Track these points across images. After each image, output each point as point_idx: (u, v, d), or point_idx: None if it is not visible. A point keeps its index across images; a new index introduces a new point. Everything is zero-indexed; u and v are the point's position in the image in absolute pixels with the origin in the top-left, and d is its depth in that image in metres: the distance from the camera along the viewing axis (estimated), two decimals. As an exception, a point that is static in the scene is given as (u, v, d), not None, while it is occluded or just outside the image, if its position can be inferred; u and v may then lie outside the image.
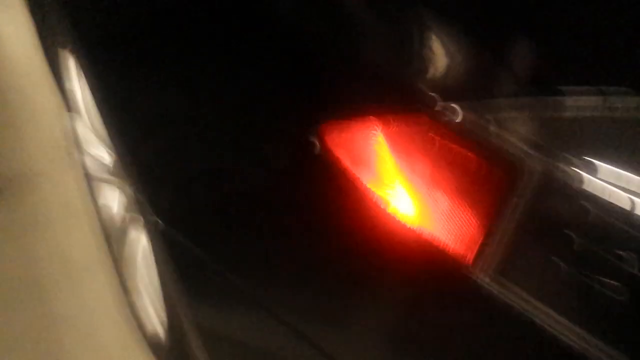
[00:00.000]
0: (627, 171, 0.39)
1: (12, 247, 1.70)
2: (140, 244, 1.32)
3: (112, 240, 1.49)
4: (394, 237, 0.51)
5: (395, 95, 0.48)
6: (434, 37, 0.48)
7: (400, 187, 0.49)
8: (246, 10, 0.61)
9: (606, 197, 0.39)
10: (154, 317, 1.28)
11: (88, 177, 1.60)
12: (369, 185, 0.51)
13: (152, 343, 1.34)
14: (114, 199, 1.52)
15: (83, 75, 1.12)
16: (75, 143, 1.64)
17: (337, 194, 0.55)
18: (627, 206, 0.38)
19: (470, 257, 0.45)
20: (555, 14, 0.46)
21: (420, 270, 0.49)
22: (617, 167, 0.39)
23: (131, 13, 0.80)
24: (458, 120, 0.43)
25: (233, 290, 0.76)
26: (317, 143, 0.53)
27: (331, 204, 0.57)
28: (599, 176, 0.39)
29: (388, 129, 0.48)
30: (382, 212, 0.51)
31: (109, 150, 1.41)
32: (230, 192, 0.71)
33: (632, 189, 0.38)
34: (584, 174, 0.39)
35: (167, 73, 0.75)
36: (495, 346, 0.48)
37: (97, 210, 1.60)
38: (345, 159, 0.52)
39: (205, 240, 0.77)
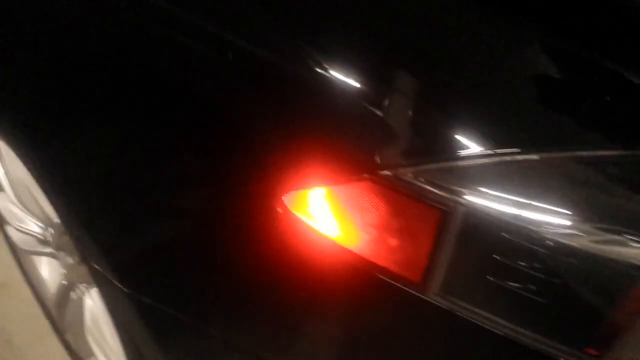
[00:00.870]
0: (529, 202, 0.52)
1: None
2: (85, 307, 1.33)
3: (51, 309, 1.48)
4: (357, 273, 0.62)
5: (344, 164, 0.59)
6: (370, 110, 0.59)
7: (357, 234, 0.60)
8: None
9: (515, 226, 0.52)
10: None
11: (15, 251, 1.57)
12: (329, 236, 0.61)
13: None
14: (47, 268, 1.51)
15: (8, 151, 1.12)
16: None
17: (299, 244, 0.64)
18: (532, 229, 0.52)
19: (418, 279, 0.57)
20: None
21: (382, 296, 0.61)
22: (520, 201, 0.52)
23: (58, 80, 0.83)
24: (397, 181, 0.55)
25: (201, 335, 0.82)
26: (280, 209, 0.62)
27: (295, 252, 0.66)
28: (507, 210, 0.52)
29: (342, 193, 0.59)
30: (344, 252, 0.61)
31: (40, 223, 1.41)
32: (200, 253, 0.78)
33: (532, 217, 0.52)
34: (498, 211, 0.52)
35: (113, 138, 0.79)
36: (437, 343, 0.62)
37: (29, 280, 1.58)
38: (304, 217, 0.62)
39: (180, 301, 0.83)
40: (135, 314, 0.89)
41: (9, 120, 0.95)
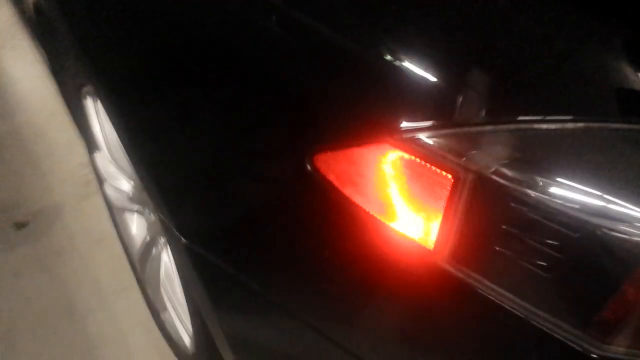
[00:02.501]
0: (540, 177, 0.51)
1: (43, 277, 1.82)
2: (162, 262, 1.44)
3: (136, 263, 1.60)
4: (380, 237, 0.63)
5: (368, 126, 0.60)
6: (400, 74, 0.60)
7: (378, 196, 0.62)
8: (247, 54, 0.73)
9: (528, 197, 0.51)
10: (181, 328, 1.40)
11: (109, 206, 1.71)
12: (354, 198, 0.64)
13: (179, 353, 1.45)
14: (135, 224, 1.64)
15: (103, 111, 1.23)
16: (96, 175, 1.76)
17: (328, 206, 0.67)
18: (545, 203, 0.51)
19: (431, 244, 0.58)
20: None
21: (398, 259, 0.62)
22: (533, 174, 0.51)
23: (146, 47, 0.91)
24: (414, 145, 0.56)
25: (254, 295, 0.87)
26: (310, 168, 0.65)
27: (326, 216, 0.69)
28: (522, 182, 0.52)
29: (364, 155, 0.61)
30: (367, 216, 0.63)
31: (130, 180, 1.53)
32: (243, 209, 0.83)
33: (549, 190, 0.51)
34: (511, 181, 0.52)
35: (179, 105, 0.86)
36: (451, 313, 0.63)
37: (120, 235, 1.72)
38: (334, 180, 0.65)
39: (225, 252, 0.88)
40: (191, 265, 0.96)
41: (108, 82, 1.05)
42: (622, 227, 0.49)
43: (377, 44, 0.62)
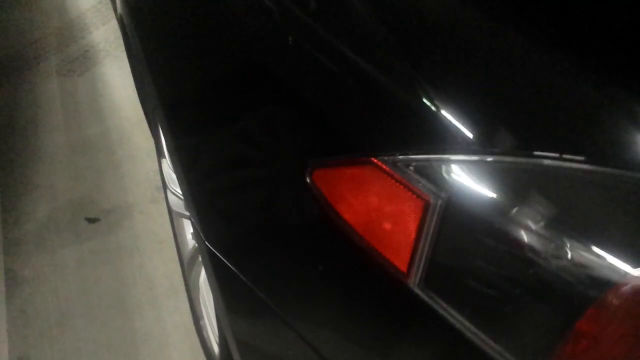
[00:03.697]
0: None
1: (104, 270, 1.94)
2: (202, 269, 1.50)
3: (186, 269, 1.67)
4: (363, 255, 0.65)
5: (357, 147, 0.62)
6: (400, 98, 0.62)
7: (363, 215, 0.63)
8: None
9: (494, 229, 0.51)
10: (212, 335, 1.45)
11: (170, 211, 1.80)
12: (343, 214, 0.65)
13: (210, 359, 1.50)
14: (188, 231, 1.71)
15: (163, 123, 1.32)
16: (162, 181, 1.86)
17: (323, 221, 0.69)
18: (510, 235, 0.51)
19: (404, 266, 0.59)
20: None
21: (377, 278, 0.64)
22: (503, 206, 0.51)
23: (194, 79, 0.98)
24: (393, 167, 0.57)
25: (262, 304, 0.89)
26: (308, 180, 0.68)
27: (320, 230, 0.71)
28: (491, 213, 0.52)
29: (352, 173, 0.63)
30: (353, 233, 0.65)
31: (184, 187, 1.61)
32: (251, 219, 0.86)
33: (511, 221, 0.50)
34: (479, 209, 0.52)
35: (211, 124, 0.92)
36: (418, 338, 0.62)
37: (176, 239, 1.80)
38: (328, 195, 0.67)
39: (238, 259, 0.92)
40: (212, 269, 1.00)
41: (165, 100, 1.14)
42: (579, 265, 0.48)
43: (379, 71, 0.64)
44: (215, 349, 1.40)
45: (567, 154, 0.51)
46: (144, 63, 1.22)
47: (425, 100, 0.59)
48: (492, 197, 0.53)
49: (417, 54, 0.63)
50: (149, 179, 2.28)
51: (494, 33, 0.61)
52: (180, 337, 1.72)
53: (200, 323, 1.55)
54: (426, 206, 0.56)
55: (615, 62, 0.56)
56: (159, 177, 2.22)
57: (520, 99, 0.56)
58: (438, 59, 0.62)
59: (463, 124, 0.56)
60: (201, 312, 1.53)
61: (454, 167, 0.55)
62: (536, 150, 0.52)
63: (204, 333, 1.53)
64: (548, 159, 0.52)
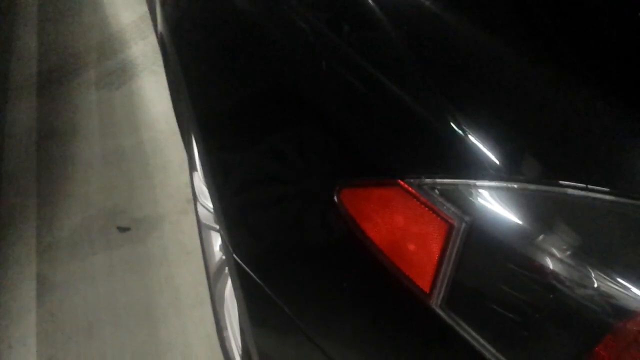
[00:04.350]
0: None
1: (132, 278, 1.98)
2: (228, 282, 1.52)
3: (212, 280, 1.70)
4: (387, 273, 0.67)
5: (385, 169, 0.64)
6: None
7: (388, 234, 0.65)
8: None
9: (516, 254, 0.53)
10: (235, 347, 1.47)
11: (199, 223, 1.84)
12: (369, 233, 0.67)
13: (233, 372, 1.52)
14: (216, 243, 1.74)
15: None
16: (193, 194, 1.90)
17: (349, 239, 0.71)
18: (531, 261, 0.52)
19: (427, 287, 0.60)
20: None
21: (399, 297, 0.65)
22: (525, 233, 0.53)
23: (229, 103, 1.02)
24: (418, 189, 0.59)
25: (286, 319, 0.91)
26: (336, 200, 0.70)
27: (347, 249, 0.73)
28: (513, 239, 0.53)
29: (379, 194, 0.65)
30: (377, 252, 0.66)
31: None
32: (278, 234, 0.89)
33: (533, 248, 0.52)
34: (501, 235, 0.54)
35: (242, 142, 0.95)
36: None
37: (203, 251, 1.83)
38: (355, 214, 0.69)
39: (264, 273, 0.94)
40: (238, 281, 1.03)
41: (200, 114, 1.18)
42: (599, 293, 0.49)
43: (409, 96, 0.66)
44: (238, 360, 1.43)
45: (591, 184, 0.53)
46: (182, 80, 1.26)
47: (453, 126, 0.61)
48: (516, 223, 0.55)
49: (447, 80, 0.65)
50: (179, 191, 2.33)
51: (522, 60, 0.63)
52: (204, 348, 1.74)
53: (224, 334, 1.58)
54: (450, 229, 0.58)
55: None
56: (189, 190, 2.27)
57: (547, 128, 0.58)
58: (468, 86, 0.64)
59: (490, 151, 0.58)
60: (225, 323, 1.56)
61: (479, 192, 0.57)
62: (562, 180, 0.54)
63: (227, 344, 1.55)
64: (573, 189, 0.53)
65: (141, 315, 1.86)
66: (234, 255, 1.02)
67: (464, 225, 0.57)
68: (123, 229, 2.16)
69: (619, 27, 0.65)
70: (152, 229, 2.17)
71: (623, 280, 0.49)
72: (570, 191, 0.53)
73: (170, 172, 2.43)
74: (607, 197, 0.52)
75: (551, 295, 0.52)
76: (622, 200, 0.51)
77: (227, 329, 1.55)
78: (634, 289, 0.48)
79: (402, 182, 0.62)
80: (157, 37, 1.78)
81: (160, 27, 1.57)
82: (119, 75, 3.16)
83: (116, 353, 1.75)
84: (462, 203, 0.57)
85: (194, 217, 2.07)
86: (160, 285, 1.95)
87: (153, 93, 2.98)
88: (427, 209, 0.60)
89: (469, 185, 0.58)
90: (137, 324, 1.83)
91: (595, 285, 0.50)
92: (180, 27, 1.29)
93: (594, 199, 0.52)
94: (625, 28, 0.65)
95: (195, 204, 1.86)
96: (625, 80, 0.60)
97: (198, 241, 1.93)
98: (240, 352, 1.34)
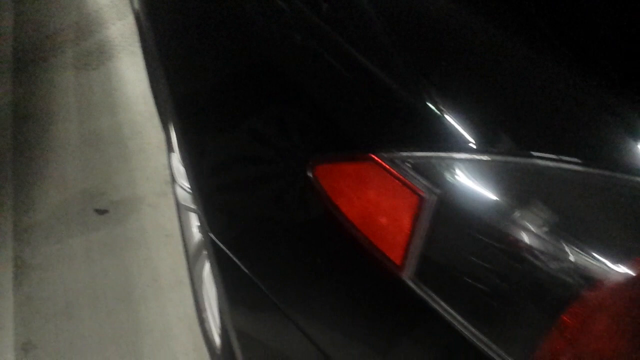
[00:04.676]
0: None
1: (110, 261, 1.97)
2: (207, 263, 1.52)
3: (191, 261, 1.69)
4: (360, 247, 0.67)
5: (357, 143, 0.64)
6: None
7: (361, 209, 0.65)
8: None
9: (485, 225, 0.53)
10: (214, 327, 1.47)
11: (177, 205, 1.83)
12: (342, 209, 0.67)
13: (212, 351, 1.52)
14: (195, 225, 1.74)
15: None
16: (171, 175, 1.89)
17: (323, 215, 0.71)
18: (500, 232, 0.53)
19: (399, 259, 0.61)
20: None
21: (372, 270, 0.66)
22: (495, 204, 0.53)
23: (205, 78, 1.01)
24: (391, 164, 0.59)
25: (262, 296, 0.91)
26: (310, 174, 0.70)
27: (321, 224, 0.73)
28: (483, 210, 0.53)
29: (352, 168, 0.65)
30: (350, 227, 0.67)
31: (191, 181, 1.63)
32: (254, 210, 0.89)
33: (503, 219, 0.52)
34: (471, 207, 0.54)
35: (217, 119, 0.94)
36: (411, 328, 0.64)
37: (182, 233, 1.82)
38: (328, 190, 0.69)
39: (240, 250, 0.94)
40: (215, 260, 1.02)
41: (176, 94, 1.17)
42: (566, 262, 0.50)
43: (382, 70, 0.66)
44: (217, 340, 1.43)
45: (563, 155, 0.53)
46: (158, 59, 1.25)
47: (425, 100, 0.61)
48: (486, 195, 0.55)
49: (419, 55, 0.65)
50: (158, 173, 2.31)
51: (496, 37, 0.63)
52: (183, 329, 1.74)
53: (203, 315, 1.57)
54: (421, 202, 0.58)
55: (612, 67, 0.58)
56: (168, 172, 2.25)
57: (519, 101, 0.58)
58: (439, 61, 0.64)
59: (461, 124, 0.58)
60: (204, 304, 1.56)
61: (451, 165, 0.57)
62: (532, 152, 0.54)
63: (207, 325, 1.55)
64: (543, 160, 0.53)
65: (120, 297, 1.85)
66: (211, 234, 1.02)
67: (434, 198, 0.57)
68: (101, 212, 2.14)
69: (594, 5, 0.65)
70: (130, 211, 2.15)
71: (589, 249, 0.50)
72: (540, 162, 0.53)
73: (149, 153, 2.40)
74: (578, 167, 0.52)
75: (519, 266, 0.52)
76: (591, 170, 0.52)
77: (206, 310, 1.55)
78: (599, 258, 0.49)
79: (374, 156, 0.62)
80: (134, 15, 1.76)
81: (136, 4, 1.54)
82: (97, 55, 3.11)
83: (95, 335, 1.75)
84: (433, 176, 0.57)
85: (173, 199, 2.06)
86: (139, 267, 1.94)
87: (131, 74, 2.94)
88: (398, 182, 0.60)
89: (440, 158, 0.58)
90: (116, 305, 1.82)
91: (563, 255, 0.50)
92: (156, 4, 1.27)
93: (565, 169, 0.53)
94: (600, 5, 0.65)
95: (173, 185, 1.85)
96: (597, 54, 0.60)
97: (177, 223, 1.92)
98: (219, 332, 1.34)
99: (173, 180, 1.84)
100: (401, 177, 0.60)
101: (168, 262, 1.96)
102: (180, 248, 1.94)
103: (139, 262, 1.96)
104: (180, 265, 1.92)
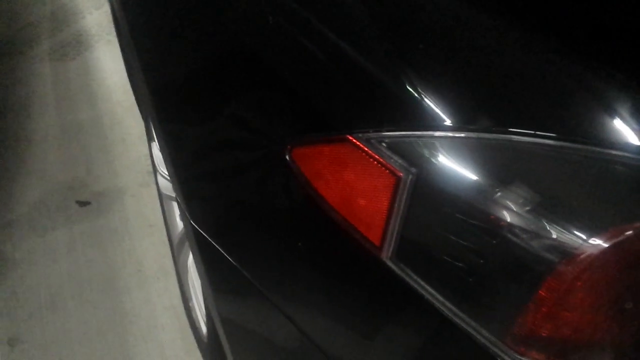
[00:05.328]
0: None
1: (94, 252, 1.95)
2: (190, 251, 1.51)
3: (175, 251, 1.68)
4: (339, 229, 0.66)
5: (333, 125, 0.64)
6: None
7: (339, 190, 0.65)
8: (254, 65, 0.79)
9: (462, 203, 0.53)
10: (200, 315, 1.47)
11: (160, 194, 1.82)
12: (321, 191, 0.67)
13: (199, 340, 1.52)
14: (177, 213, 1.73)
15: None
16: (152, 164, 1.87)
17: (303, 198, 0.71)
18: (477, 209, 0.53)
19: (378, 240, 0.61)
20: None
21: (352, 251, 0.66)
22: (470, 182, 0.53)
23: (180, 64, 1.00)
24: (367, 143, 0.59)
25: (246, 283, 0.91)
26: (288, 158, 0.70)
27: (300, 207, 0.73)
28: (458, 188, 0.54)
29: (329, 149, 0.65)
30: (330, 209, 0.66)
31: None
32: (233, 197, 0.88)
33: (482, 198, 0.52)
34: (447, 186, 0.54)
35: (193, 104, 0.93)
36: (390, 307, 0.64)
37: (166, 222, 1.81)
38: (307, 173, 0.68)
39: (221, 237, 0.94)
40: (197, 248, 1.02)
41: (152, 83, 1.15)
42: (542, 237, 0.50)
43: (356, 51, 0.66)
44: (204, 329, 1.42)
45: (539, 130, 0.53)
46: (133, 48, 1.23)
47: (400, 79, 0.60)
48: (462, 173, 0.55)
49: (395, 36, 0.64)
50: (140, 163, 2.29)
51: (472, 17, 0.63)
52: (169, 319, 1.74)
53: (190, 304, 1.57)
54: (397, 181, 0.58)
55: (586, 43, 0.58)
56: (149, 161, 2.24)
57: (494, 79, 0.58)
58: (415, 41, 0.64)
59: (438, 103, 0.58)
60: (190, 293, 1.55)
61: (427, 144, 0.57)
62: (508, 128, 0.54)
63: (193, 314, 1.54)
64: (519, 135, 0.53)
65: (105, 289, 1.84)
66: (192, 223, 1.01)
67: (410, 177, 0.57)
68: (83, 203, 2.13)
69: None
70: (112, 202, 2.13)
71: (565, 223, 0.50)
72: (515, 137, 0.53)
73: (129, 144, 2.38)
74: (552, 142, 0.52)
75: (496, 242, 0.52)
76: (567, 144, 0.52)
77: (192, 298, 1.55)
78: (574, 231, 0.49)
79: (350, 137, 0.62)
80: (110, 4, 1.73)
81: (109, -7, 1.52)
82: (74, 46, 3.07)
83: (81, 327, 1.74)
84: (409, 155, 0.57)
85: (156, 189, 2.05)
86: (123, 258, 1.93)
87: (109, 63, 2.91)
88: (375, 162, 0.60)
89: (416, 137, 0.57)
90: (101, 297, 1.81)
91: (539, 230, 0.50)
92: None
93: (540, 144, 0.53)
94: None
95: (155, 175, 1.84)
96: (572, 30, 0.60)
97: (160, 213, 1.91)
98: (205, 321, 1.34)
99: (155, 169, 1.83)
100: (377, 157, 0.59)
101: (152, 252, 1.95)
102: (164, 238, 1.93)
103: (122, 253, 1.95)
104: (164, 255, 1.91)
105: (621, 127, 0.51)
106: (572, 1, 0.63)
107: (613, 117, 0.52)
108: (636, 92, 0.53)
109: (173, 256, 1.75)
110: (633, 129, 0.51)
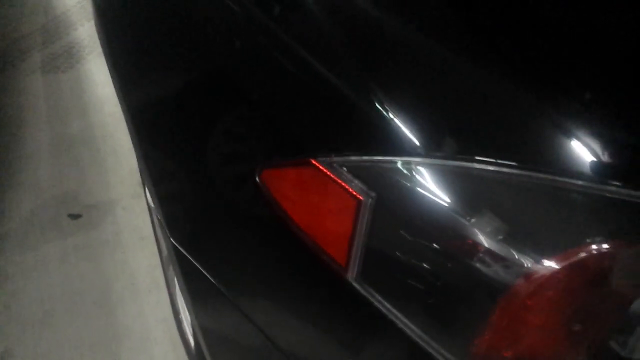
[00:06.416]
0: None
1: (86, 265, 1.96)
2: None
3: (165, 263, 1.69)
4: (307, 249, 0.68)
5: (299, 149, 0.65)
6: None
7: (306, 212, 0.66)
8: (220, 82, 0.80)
9: (420, 225, 0.55)
10: (188, 327, 1.48)
11: (149, 207, 1.83)
12: (290, 212, 0.68)
13: (189, 352, 1.53)
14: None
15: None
16: (142, 177, 1.88)
17: (272, 218, 0.72)
18: (435, 232, 0.54)
19: (343, 261, 0.62)
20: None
21: (319, 273, 0.67)
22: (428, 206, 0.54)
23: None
24: (329, 168, 0.60)
25: (223, 298, 0.92)
26: (258, 180, 0.71)
27: (270, 227, 0.74)
28: (412, 203, 0.55)
29: (295, 173, 0.66)
30: (298, 230, 0.68)
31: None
32: (207, 215, 0.90)
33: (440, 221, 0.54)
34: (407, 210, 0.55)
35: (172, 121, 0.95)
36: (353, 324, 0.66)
37: (155, 235, 1.82)
38: (275, 194, 0.70)
39: (195, 251, 0.95)
40: (176, 263, 1.03)
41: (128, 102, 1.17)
42: (496, 260, 0.51)
43: (326, 76, 0.67)
44: (192, 340, 1.43)
45: (497, 158, 0.54)
46: (111, 69, 1.25)
47: (365, 105, 0.62)
48: (421, 197, 0.56)
49: (357, 62, 0.65)
50: (131, 175, 2.30)
51: (441, 45, 0.64)
52: (162, 332, 1.75)
53: (180, 317, 1.58)
54: (358, 204, 0.59)
55: (544, 71, 0.59)
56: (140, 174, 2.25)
57: (456, 106, 0.59)
58: (379, 68, 0.65)
59: (399, 130, 0.59)
60: (179, 306, 1.56)
61: (387, 169, 0.58)
62: (471, 156, 0.55)
63: (183, 327, 1.55)
64: (480, 164, 0.55)
65: (97, 302, 1.85)
66: (171, 239, 1.02)
67: (370, 200, 0.58)
68: (75, 216, 2.14)
69: (534, 14, 0.66)
70: (104, 214, 2.15)
71: (520, 246, 0.51)
72: (477, 165, 0.54)
73: (121, 156, 2.40)
74: (512, 170, 0.54)
75: (453, 264, 0.54)
76: (526, 173, 0.53)
77: (180, 311, 1.56)
78: (529, 254, 0.50)
79: (313, 161, 0.63)
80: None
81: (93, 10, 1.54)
82: (66, 58, 3.09)
83: (74, 341, 1.75)
84: (370, 179, 0.59)
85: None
86: (115, 271, 1.94)
87: (101, 76, 2.92)
88: (337, 186, 0.61)
89: (377, 162, 0.59)
90: (94, 310, 1.82)
91: (495, 252, 0.51)
92: (104, 10, 1.27)
93: (496, 172, 0.54)
94: (540, 14, 0.66)
95: (144, 188, 1.85)
96: (537, 60, 0.61)
97: (151, 226, 1.92)
98: (192, 331, 1.35)
99: (144, 182, 1.84)
100: (339, 180, 0.60)
101: (144, 264, 1.96)
102: (156, 250, 1.94)
103: (115, 265, 1.96)
104: (156, 268, 1.92)
105: (576, 156, 0.53)
106: (537, 30, 0.64)
107: (569, 146, 0.54)
108: (590, 123, 0.54)
109: (163, 269, 1.76)
110: (586, 159, 0.52)
